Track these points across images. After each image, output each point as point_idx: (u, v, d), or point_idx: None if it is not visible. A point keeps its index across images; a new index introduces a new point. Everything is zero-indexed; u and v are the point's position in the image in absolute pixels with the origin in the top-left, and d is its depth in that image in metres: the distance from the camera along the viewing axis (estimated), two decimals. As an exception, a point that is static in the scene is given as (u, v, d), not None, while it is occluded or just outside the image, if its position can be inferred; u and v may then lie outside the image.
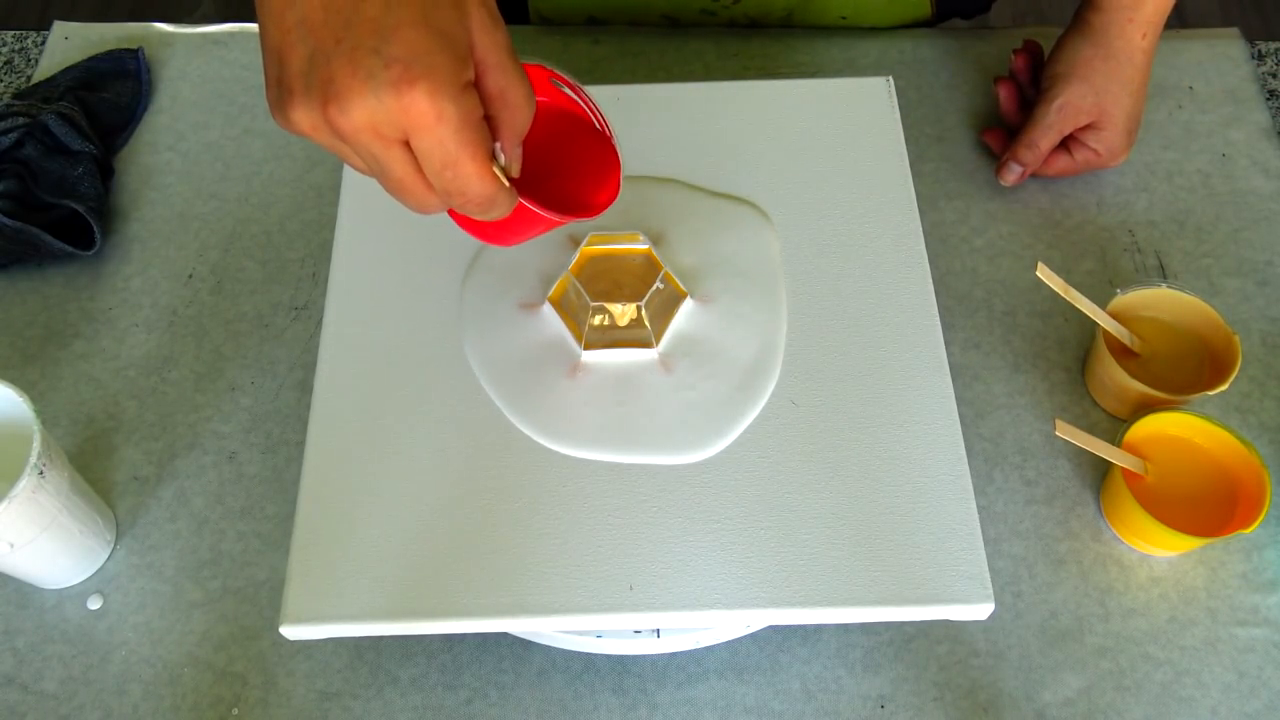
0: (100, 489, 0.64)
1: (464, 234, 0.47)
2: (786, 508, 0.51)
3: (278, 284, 0.73)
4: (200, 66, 0.83)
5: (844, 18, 0.83)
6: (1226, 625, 0.60)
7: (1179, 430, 0.62)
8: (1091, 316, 0.64)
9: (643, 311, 0.55)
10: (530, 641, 0.59)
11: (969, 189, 0.76)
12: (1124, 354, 0.66)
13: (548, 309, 0.57)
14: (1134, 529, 0.61)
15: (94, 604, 0.61)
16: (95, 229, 0.71)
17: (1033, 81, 0.76)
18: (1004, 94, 0.75)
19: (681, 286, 0.57)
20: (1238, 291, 0.71)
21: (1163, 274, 0.72)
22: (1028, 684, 0.58)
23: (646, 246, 0.58)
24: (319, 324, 0.58)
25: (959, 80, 0.81)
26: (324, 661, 0.59)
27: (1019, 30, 0.83)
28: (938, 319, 0.56)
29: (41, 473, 0.54)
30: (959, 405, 0.54)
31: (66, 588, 0.62)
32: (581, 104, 0.48)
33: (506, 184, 0.40)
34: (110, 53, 0.82)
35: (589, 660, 0.59)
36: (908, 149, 0.62)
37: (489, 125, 0.39)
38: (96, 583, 0.62)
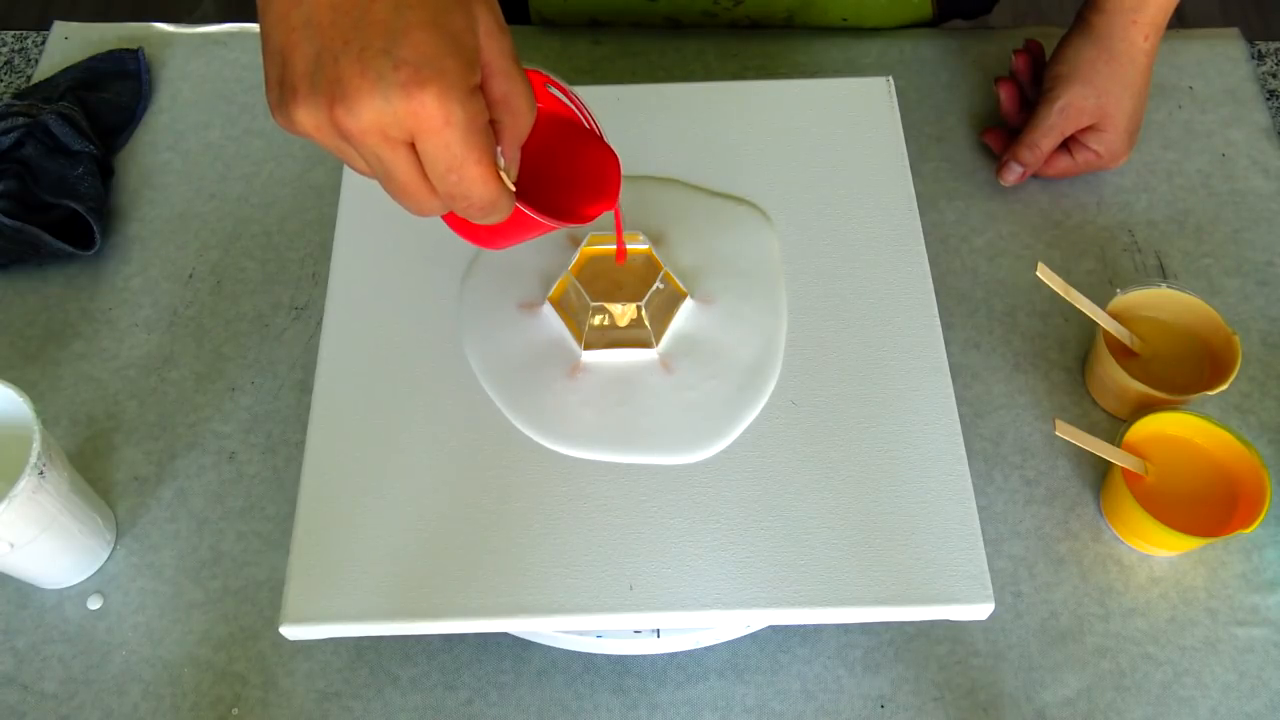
0: (100, 489, 0.64)
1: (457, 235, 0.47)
2: (786, 508, 0.51)
3: (278, 284, 0.73)
4: (200, 66, 0.83)
5: (845, 19, 0.83)
6: (1226, 625, 0.60)
7: (1179, 430, 0.62)
8: (1091, 316, 0.64)
9: (643, 311, 0.55)
10: (530, 641, 0.59)
11: (969, 189, 0.76)
12: (1124, 354, 0.66)
13: (548, 309, 0.57)
14: (1134, 529, 0.61)
15: (94, 604, 0.61)
16: (95, 229, 0.71)
17: (1034, 81, 0.76)
18: (1005, 94, 0.75)
19: (681, 286, 0.57)
20: (1238, 291, 0.71)
21: (1163, 274, 0.72)
22: (1028, 684, 0.58)
23: (647, 246, 0.58)
24: (319, 324, 0.58)
25: (959, 80, 0.81)
26: (324, 661, 0.59)
27: (1019, 30, 0.83)
28: (938, 319, 0.56)
29: (41, 473, 0.54)
30: (959, 405, 0.54)
31: (66, 588, 0.62)
32: (575, 109, 0.48)
33: (511, 188, 0.40)
34: (110, 53, 0.82)
35: (589, 660, 0.59)
36: (908, 149, 0.62)
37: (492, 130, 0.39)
38: (96, 583, 0.62)
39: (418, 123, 0.36)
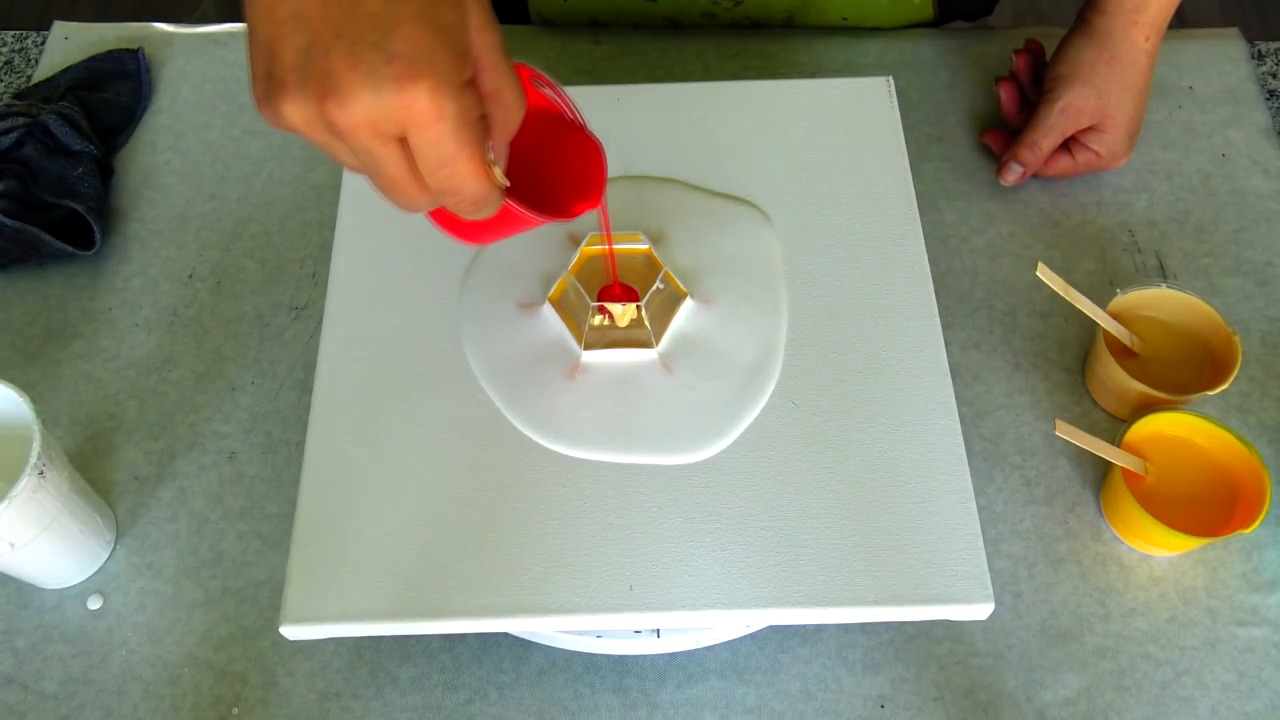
0: (100, 489, 0.64)
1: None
2: (786, 508, 0.51)
3: (278, 284, 0.73)
4: (200, 66, 0.83)
5: (845, 19, 0.83)
6: (1226, 625, 0.60)
7: (1179, 430, 0.62)
8: (1091, 316, 0.64)
9: (643, 311, 0.55)
10: (530, 641, 0.59)
11: (969, 189, 0.76)
12: (1124, 354, 0.66)
13: (548, 309, 0.57)
14: (1134, 529, 0.61)
15: (94, 604, 0.61)
16: (95, 229, 0.71)
17: (1034, 81, 0.76)
18: (1005, 94, 0.75)
19: (681, 286, 0.57)
20: (1238, 291, 0.71)
21: (1163, 274, 0.72)
22: (1028, 684, 0.58)
23: (647, 246, 0.58)
24: (319, 324, 0.58)
25: (959, 80, 0.81)
26: (324, 661, 0.59)
27: (1019, 30, 0.83)
28: (938, 319, 0.56)
29: (41, 473, 0.54)
30: (959, 405, 0.54)
31: (66, 588, 0.62)
32: (560, 103, 0.48)
33: (506, 182, 0.40)
34: (110, 53, 0.82)
35: (589, 660, 0.59)
36: (908, 149, 0.62)
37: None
38: (96, 583, 0.62)
39: (410, 117, 0.35)
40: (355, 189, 0.62)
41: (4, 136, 0.72)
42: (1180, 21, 0.72)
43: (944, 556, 0.49)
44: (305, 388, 0.68)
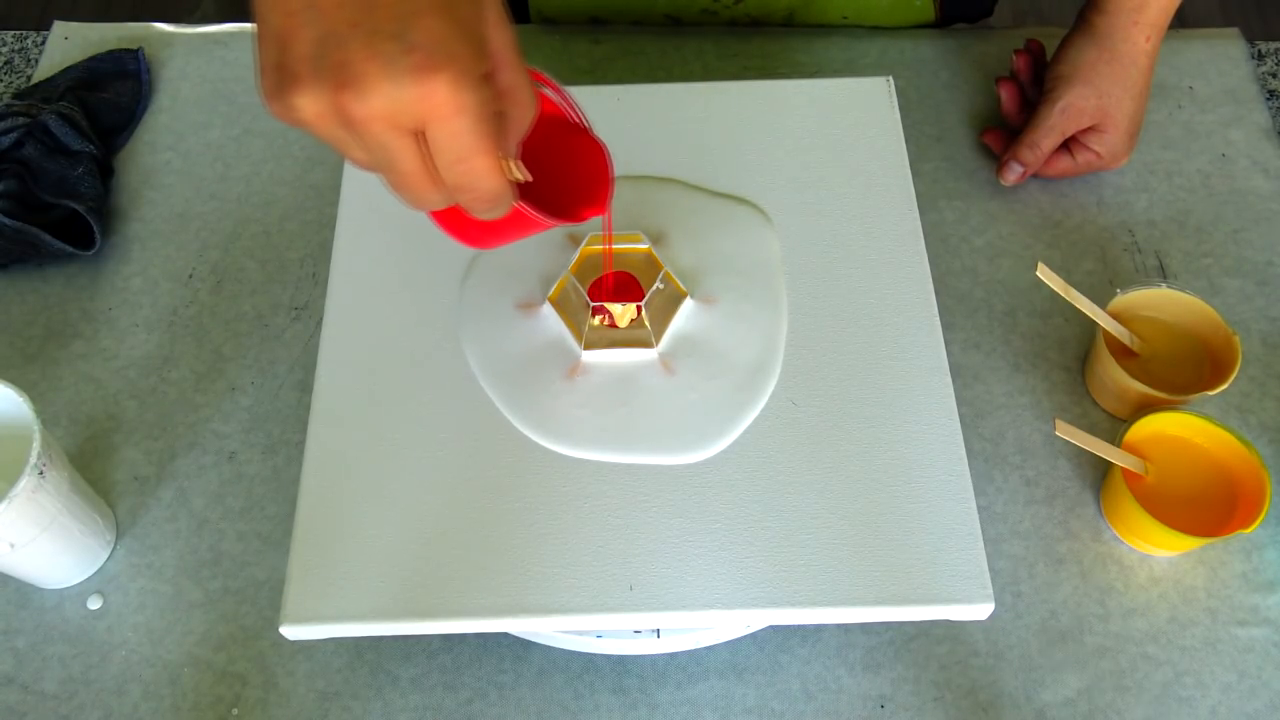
0: (100, 489, 0.64)
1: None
2: (786, 508, 0.51)
3: (278, 284, 0.73)
4: (200, 66, 0.83)
5: (845, 17, 0.83)
6: (1226, 625, 0.60)
7: (1179, 430, 0.62)
8: (1091, 316, 0.64)
9: (643, 311, 0.55)
10: (530, 641, 0.59)
11: (969, 189, 0.76)
12: (1124, 354, 0.66)
13: (548, 309, 0.57)
14: (1134, 529, 0.61)
15: (94, 604, 0.61)
16: (95, 229, 0.71)
17: (1034, 81, 0.76)
18: (1006, 94, 0.75)
19: (682, 286, 0.57)
20: (1238, 291, 0.71)
21: (1163, 274, 0.72)
22: (1028, 684, 0.58)
23: (647, 246, 0.58)
24: (319, 324, 0.58)
25: (959, 80, 0.81)
26: (324, 661, 0.59)
27: (1019, 30, 0.83)
28: (938, 319, 0.56)
29: (41, 473, 0.54)
30: (959, 405, 0.54)
31: (66, 588, 0.62)
32: (563, 105, 0.48)
33: (527, 176, 0.40)
34: (110, 53, 0.82)
35: (589, 660, 0.59)
36: (908, 149, 0.62)
37: None
38: (96, 583, 0.62)
39: (428, 109, 0.34)
40: (355, 189, 0.62)
41: (4, 136, 0.72)
42: (1180, 21, 0.72)
43: (944, 556, 0.49)
44: (305, 388, 0.68)
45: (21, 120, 0.73)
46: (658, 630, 0.55)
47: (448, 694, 0.58)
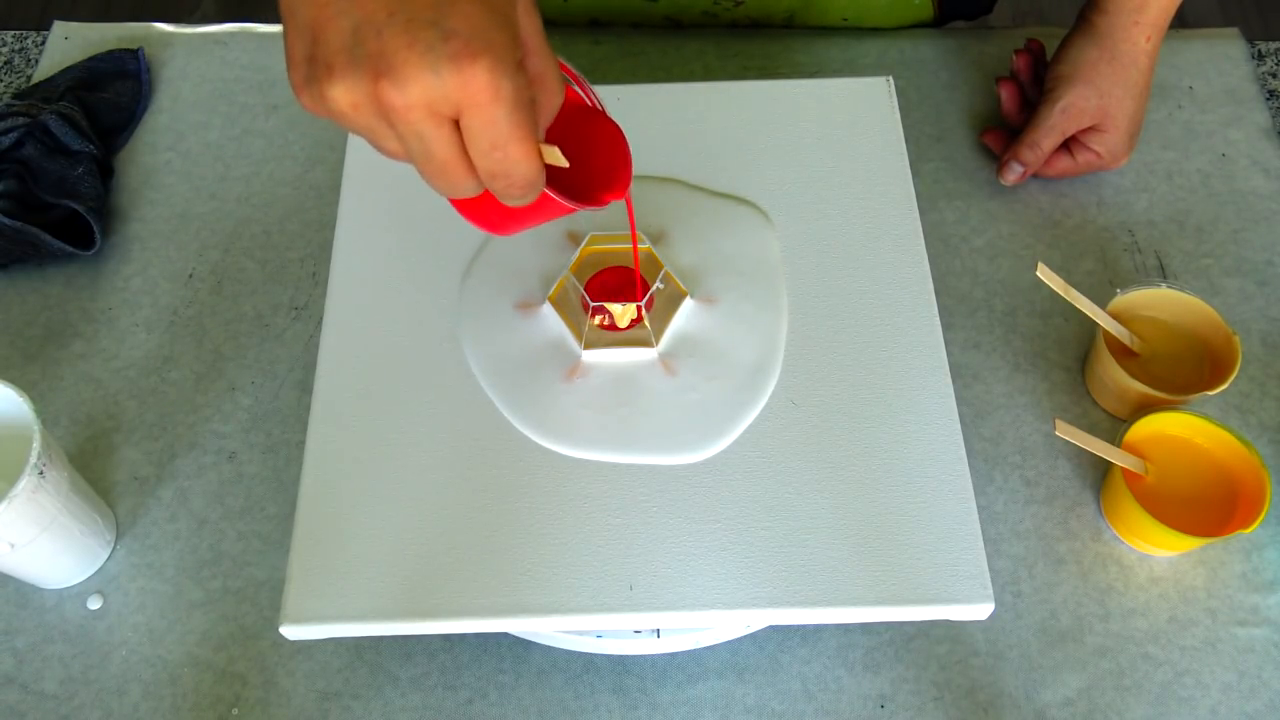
0: (100, 489, 0.64)
1: (465, 230, 0.47)
2: (786, 508, 0.51)
3: (278, 284, 0.73)
4: (200, 66, 0.83)
5: (845, 19, 0.83)
6: (1226, 625, 0.60)
7: (1179, 430, 0.62)
8: (1091, 316, 0.64)
9: (643, 311, 0.55)
10: (530, 641, 0.59)
11: (969, 189, 0.76)
12: (1124, 354, 0.66)
13: (547, 309, 0.57)
14: (1134, 529, 0.61)
15: (94, 604, 0.61)
16: (95, 229, 0.71)
17: (1034, 81, 0.76)
18: (1006, 94, 0.75)
19: (682, 286, 0.57)
20: (1238, 291, 0.71)
21: (1163, 274, 0.72)
22: (1028, 684, 0.58)
23: (647, 246, 0.58)
24: (319, 324, 0.58)
25: (959, 80, 0.81)
26: (324, 661, 0.59)
27: (1019, 30, 0.83)
28: (938, 319, 0.56)
29: (41, 473, 0.54)
30: (959, 405, 0.54)
31: (66, 588, 0.62)
32: (579, 89, 0.48)
33: (564, 162, 0.39)
34: (110, 53, 0.82)
35: (589, 660, 0.59)
36: (908, 149, 0.62)
37: None
38: (96, 583, 0.62)
39: (467, 96, 0.34)
40: (355, 189, 0.62)
41: (4, 136, 0.72)
42: (1180, 21, 0.72)
43: (944, 556, 0.49)
44: (305, 388, 0.68)
45: (21, 120, 0.73)
46: (658, 630, 0.55)
47: (448, 694, 0.58)
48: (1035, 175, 0.75)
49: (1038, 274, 0.63)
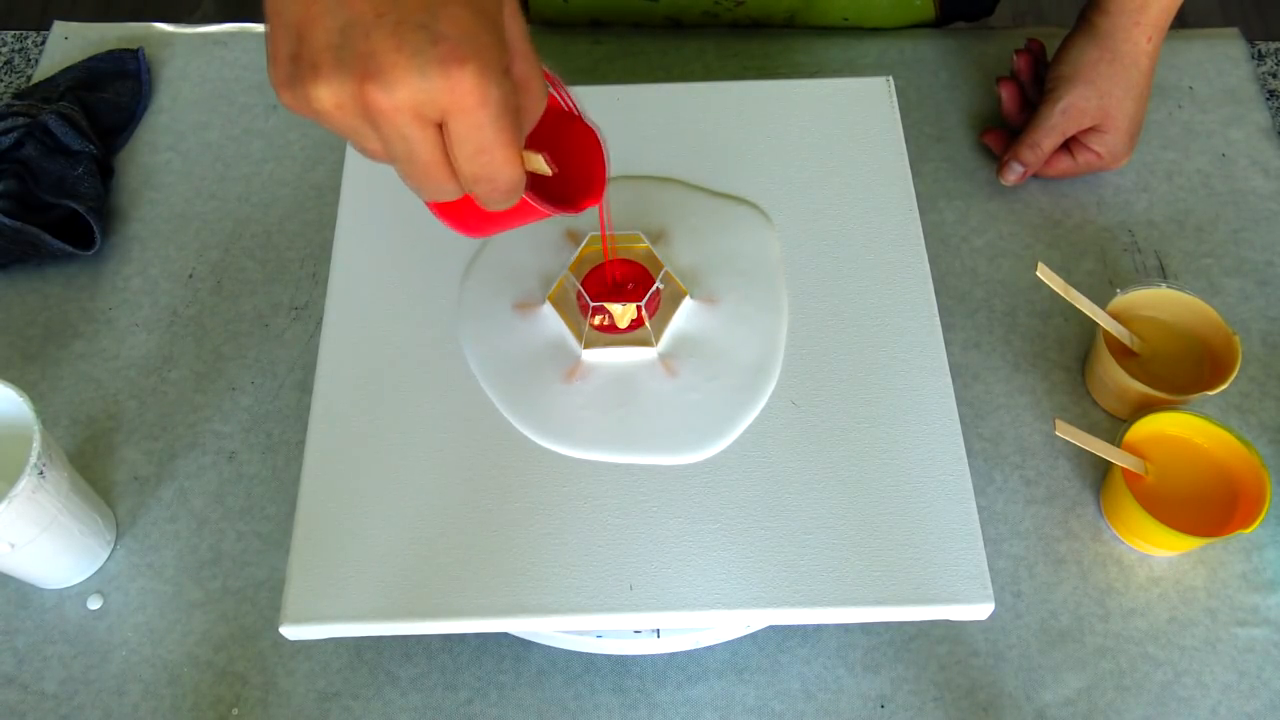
0: (100, 489, 0.64)
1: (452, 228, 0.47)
2: (786, 508, 0.51)
3: (278, 284, 0.73)
4: (200, 66, 0.83)
5: (846, 19, 0.83)
6: (1226, 625, 0.60)
7: (1179, 430, 0.62)
8: (1091, 316, 0.64)
9: (643, 311, 0.55)
10: (530, 641, 0.59)
11: (969, 189, 0.76)
12: (1124, 354, 0.66)
13: (547, 309, 0.57)
14: (1134, 529, 0.61)
15: (94, 604, 0.61)
16: (95, 229, 0.71)
17: (1035, 81, 0.76)
18: (1006, 94, 0.75)
19: (682, 285, 0.57)
20: (1238, 291, 0.71)
21: (1163, 274, 0.72)
22: (1028, 684, 0.58)
23: (646, 246, 0.58)
24: (319, 324, 0.58)
25: (959, 80, 0.81)
26: (324, 661, 0.59)
27: (1019, 30, 0.83)
28: (938, 319, 0.56)
29: (41, 473, 0.54)
30: (959, 405, 0.54)
31: (66, 588, 0.62)
32: (562, 100, 0.48)
33: (550, 169, 0.39)
34: (110, 53, 0.82)
35: (589, 660, 0.59)
36: (908, 149, 0.62)
37: None
38: (96, 583, 0.62)
39: (454, 101, 0.34)
40: (355, 189, 0.62)
41: (4, 136, 0.72)
42: (1180, 22, 0.72)
43: (944, 556, 0.49)
44: (305, 388, 0.68)
45: (21, 120, 0.73)
46: (658, 630, 0.55)
47: (448, 694, 0.58)
48: (1035, 175, 0.75)
49: (1038, 274, 0.63)
